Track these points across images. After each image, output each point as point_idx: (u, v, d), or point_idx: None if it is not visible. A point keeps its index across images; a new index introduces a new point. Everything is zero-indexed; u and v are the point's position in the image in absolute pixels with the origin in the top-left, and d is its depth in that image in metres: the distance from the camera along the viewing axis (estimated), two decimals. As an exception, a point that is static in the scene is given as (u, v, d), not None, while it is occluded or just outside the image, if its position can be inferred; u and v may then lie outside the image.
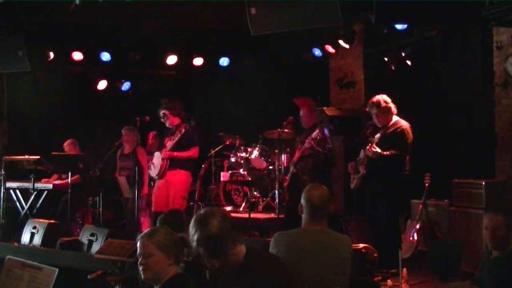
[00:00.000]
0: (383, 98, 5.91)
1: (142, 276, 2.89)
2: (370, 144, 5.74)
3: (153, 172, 6.77)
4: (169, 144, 6.68)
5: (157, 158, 6.72)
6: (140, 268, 2.89)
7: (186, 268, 2.97)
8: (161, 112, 6.70)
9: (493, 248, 3.54)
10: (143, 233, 2.97)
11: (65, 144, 8.02)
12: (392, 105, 5.87)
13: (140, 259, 2.89)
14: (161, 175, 6.64)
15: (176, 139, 6.60)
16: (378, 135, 5.78)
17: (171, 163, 6.62)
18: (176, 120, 6.73)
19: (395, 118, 5.88)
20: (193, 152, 6.65)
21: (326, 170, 6.72)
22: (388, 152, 5.67)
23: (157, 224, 3.84)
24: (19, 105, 8.55)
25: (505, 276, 3.32)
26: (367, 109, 6.03)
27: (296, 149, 6.74)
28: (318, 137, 6.37)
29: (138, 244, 2.92)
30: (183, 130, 6.65)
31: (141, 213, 7.37)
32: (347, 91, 8.97)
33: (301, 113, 6.88)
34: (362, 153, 5.94)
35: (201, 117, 9.17)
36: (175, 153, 6.57)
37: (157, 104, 6.94)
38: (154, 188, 6.86)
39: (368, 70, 8.57)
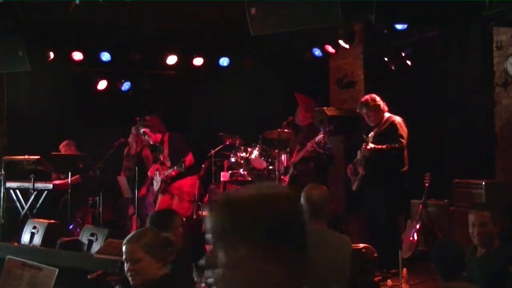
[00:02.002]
0: (371, 97, 5.98)
1: (131, 282, 2.80)
2: (364, 144, 5.76)
3: (155, 187, 6.95)
4: (166, 161, 6.75)
5: (158, 175, 6.87)
6: (128, 274, 2.78)
7: (172, 268, 2.93)
8: (142, 131, 6.77)
9: (481, 245, 3.54)
10: (129, 237, 2.86)
11: (61, 145, 8.01)
12: (381, 103, 5.90)
13: (128, 265, 2.78)
14: (161, 191, 6.74)
15: (167, 153, 6.74)
16: (372, 134, 5.81)
17: (173, 179, 6.72)
18: (158, 137, 6.84)
19: (387, 115, 5.91)
20: (188, 160, 6.67)
21: (325, 169, 6.72)
22: (383, 146, 5.68)
23: (148, 222, 3.80)
24: (19, 105, 8.54)
25: (494, 273, 3.31)
26: (357, 111, 6.05)
27: (295, 150, 6.73)
28: (322, 142, 6.38)
29: (124, 249, 2.81)
30: (167, 139, 6.74)
31: (142, 214, 7.37)
32: (347, 91, 8.97)
33: (298, 109, 6.89)
34: (359, 154, 5.96)
35: (201, 117, 9.21)
36: (173, 173, 6.64)
37: (157, 104, 6.96)
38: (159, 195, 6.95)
39: (368, 70, 8.57)
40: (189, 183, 6.79)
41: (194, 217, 7.77)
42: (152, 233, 2.91)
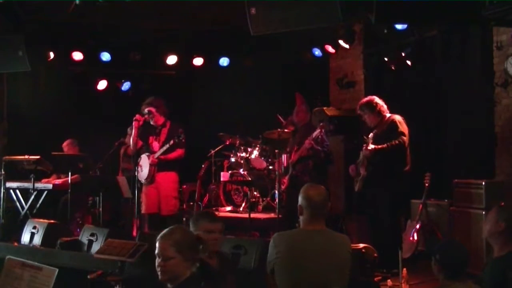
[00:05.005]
0: (368, 98, 6.00)
1: (159, 277, 2.91)
2: (365, 145, 5.76)
3: (141, 176, 6.66)
4: (155, 145, 6.65)
5: (145, 160, 6.64)
6: (158, 269, 2.91)
7: (200, 267, 2.97)
8: (147, 109, 6.65)
9: (488, 238, 3.54)
10: (163, 233, 2.96)
11: (64, 144, 8.02)
12: (380, 104, 5.91)
13: (158, 260, 2.91)
14: (149, 180, 6.60)
15: (163, 140, 6.59)
16: (371, 134, 5.82)
17: (159, 166, 6.57)
18: (161, 119, 6.69)
19: (387, 115, 5.92)
20: (179, 153, 6.58)
21: (325, 168, 6.72)
22: (383, 145, 5.68)
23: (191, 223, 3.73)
24: (19, 105, 8.55)
25: (499, 276, 3.31)
26: (358, 112, 6.06)
27: (293, 150, 6.72)
28: (319, 137, 6.37)
29: (157, 245, 2.92)
30: (168, 126, 6.64)
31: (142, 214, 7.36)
32: (347, 91, 8.97)
33: (297, 108, 6.87)
34: (361, 155, 5.96)
35: (201, 117, 9.21)
36: (162, 157, 6.53)
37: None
38: (143, 190, 6.75)
39: (368, 70, 8.57)
40: (172, 178, 6.66)
41: (190, 216, 7.79)
42: (184, 232, 3.02)
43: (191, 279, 2.90)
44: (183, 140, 6.40)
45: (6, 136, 8.63)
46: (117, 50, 8.51)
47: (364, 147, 5.79)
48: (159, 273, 2.91)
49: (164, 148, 6.46)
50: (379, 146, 5.70)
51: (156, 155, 6.52)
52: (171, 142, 6.35)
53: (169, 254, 2.87)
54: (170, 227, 3.07)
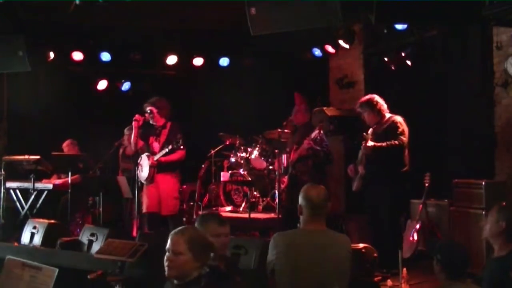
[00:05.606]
0: (368, 97, 6.00)
1: (166, 272, 2.87)
2: (364, 142, 5.76)
3: (142, 176, 6.65)
4: (155, 145, 6.64)
5: (145, 160, 6.62)
6: (166, 264, 2.86)
7: (208, 272, 2.94)
8: (148, 108, 6.63)
9: (489, 238, 3.54)
10: (177, 229, 2.95)
11: (64, 144, 8.02)
12: (380, 103, 5.91)
13: (168, 255, 2.86)
14: (150, 180, 6.58)
15: (163, 141, 6.57)
16: (371, 130, 5.82)
17: (159, 167, 6.56)
18: (162, 121, 6.67)
19: (388, 115, 5.92)
20: (179, 155, 6.56)
21: (324, 168, 6.72)
22: (382, 144, 5.68)
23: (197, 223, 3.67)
24: (19, 105, 8.54)
25: (502, 276, 3.31)
26: (358, 110, 6.06)
27: (292, 150, 6.72)
28: (318, 137, 6.37)
29: (169, 240, 2.89)
30: (169, 127, 6.62)
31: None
32: (347, 91, 8.97)
33: (297, 108, 6.86)
34: (360, 154, 5.96)
35: (201, 117, 9.21)
36: (162, 159, 6.52)
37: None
38: (144, 190, 6.76)
39: (368, 70, 8.57)
40: (172, 179, 6.65)
41: (190, 216, 7.80)
42: (199, 232, 3.01)
43: (197, 280, 2.85)
44: (181, 147, 6.38)
45: (6, 136, 8.63)
46: (117, 50, 8.52)
47: (363, 144, 5.78)
48: (166, 268, 2.87)
49: (163, 152, 6.45)
50: (378, 144, 5.70)
51: (156, 157, 6.51)
52: (169, 147, 6.35)
53: (180, 250, 2.83)
54: (184, 226, 3.04)
